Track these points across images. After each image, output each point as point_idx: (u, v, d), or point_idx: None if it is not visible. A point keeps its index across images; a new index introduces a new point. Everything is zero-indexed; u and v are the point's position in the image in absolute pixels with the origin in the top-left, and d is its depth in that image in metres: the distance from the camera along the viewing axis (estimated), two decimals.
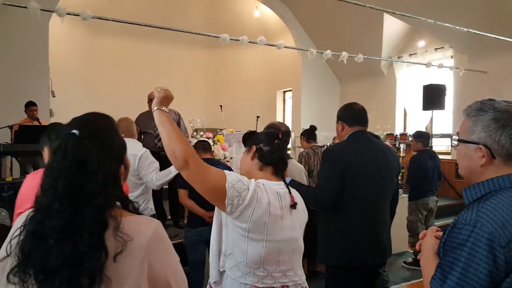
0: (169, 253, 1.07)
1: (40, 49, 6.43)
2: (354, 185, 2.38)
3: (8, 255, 0.97)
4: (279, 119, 10.27)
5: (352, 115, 2.57)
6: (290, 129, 9.77)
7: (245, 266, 1.60)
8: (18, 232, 0.97)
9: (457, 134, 1.25)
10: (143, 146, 3.22)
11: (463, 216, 1.12)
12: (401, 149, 7.26)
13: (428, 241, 1.20)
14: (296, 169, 2.75)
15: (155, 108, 1.58)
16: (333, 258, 2.49)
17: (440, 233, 1.22)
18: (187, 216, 3.47)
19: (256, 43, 4.52)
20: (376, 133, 4.19)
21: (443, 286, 1.07)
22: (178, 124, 4.86)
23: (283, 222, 1.64)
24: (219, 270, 1.72)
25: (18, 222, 1.02)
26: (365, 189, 2.41)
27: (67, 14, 3.97)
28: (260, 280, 1.60)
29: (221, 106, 6.69)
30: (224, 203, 1.53)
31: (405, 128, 8.69)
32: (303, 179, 2.75)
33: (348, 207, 2.40)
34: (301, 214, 1.77)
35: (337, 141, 2.71)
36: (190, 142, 4.36)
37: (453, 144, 1.26)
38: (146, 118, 4.73)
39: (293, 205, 1.69)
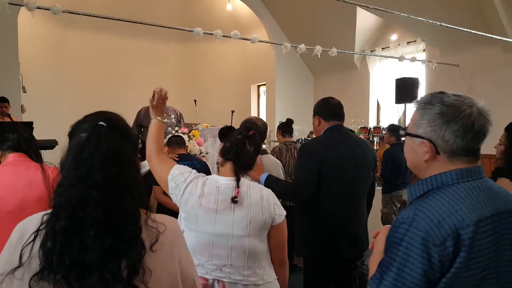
0: (185, 245, 1.10)
1: (9, 44, 6.16)
2: (330, 179, 2.40)
3: (21, 265, 0.91)
4: (253, 113, 10.24)
5: (329, 109, 2.57)
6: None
7: None
8: (32, 237, 0.92)
9: (406, 127, 1.23)
10: (142, 140, 3.21)
11: (402, 213, 1.09)
12: (375, 142, 7.34)
13: (379, 239, 1.16)
14: (273, 164, 2.74)
15: (153, 118, 1.91)
16: (309, 251, 2.51)
17: None
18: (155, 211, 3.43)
19: (230, 37, 4.45)
20: (350, 127, 4.20)
21: (379, 286, 1.05)
22: (179, 122, 4.82)
23: (216, 216, 1.68)
24: None
25: (23, 229, 0.97)
26: (341, 183, 2.42)
27: (37, 8, 3.81)
28: None
29: (195, 100, 6.60)
30: (169, 192, 1.76)
31: (378, 121, 8.79)
32: (280, 173, 2.74)
33: (324, 201, 2.42)
34: (245, 211, 1.71)
35: (313, 135, 2.71)
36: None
37: (402, 138, 1.25)
38: (147, 113, 4.72)
39: (233, 198, 1.68)
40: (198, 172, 1.81)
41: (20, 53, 6.36)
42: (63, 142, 2.72)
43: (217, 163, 4.15)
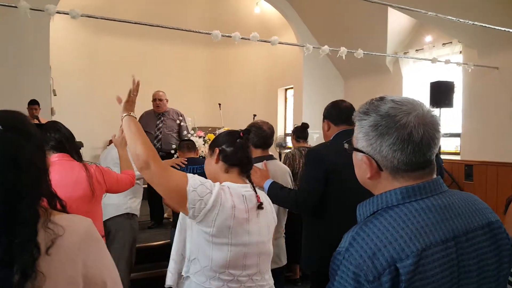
0: (104, 252, 1.06)
1: (41, 49, 6.41)
2: (338, 188, 2.23)
3: None
4: (280, 117, 10.09)
5: (339, 113, 2.41)
6: (285, 127, 9.54)
7: (210, 271, 1.57)
8: None
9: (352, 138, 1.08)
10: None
11: (341, 241, 0.95)
12: None
13: None
14: (280, 170, 2.59)
15: (124, 114, 1.67)
16: (317, 265, 2.35)
17: None
18: (166, 216, 3.39)
19: (249, 39, 4.35)
20: None
21: None
22: (179, 124, 4.81)
23: (249, 226, 1.61)
24: (182, 275, 1.69)
25: None
26: (351, 193, 2.22)
27: (57, 13, 3.89)
28: (225, 284, 1.58)
29: (219, 104, 6.56)
30: (186, 206, 1.51)
31: None
32: (287, 180, 2.59)
33: (332, 212, 2.26)
34: (269, 217, 1.73)
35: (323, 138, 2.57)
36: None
37: (348, 151, 1.08)
38: (147, 118, 4.80)
39: (260, 205, 1.64)
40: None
41: (51, 58, 6.60)
42: (92, 144, 2.82)
43: None
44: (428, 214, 0.91)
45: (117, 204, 3.19)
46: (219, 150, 1.71)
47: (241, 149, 1.71)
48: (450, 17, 4.19)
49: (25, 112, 5.06)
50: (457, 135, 7.55)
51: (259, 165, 2.45)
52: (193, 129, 4.41)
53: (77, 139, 4.35)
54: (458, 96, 6.94)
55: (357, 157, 1.04)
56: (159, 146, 4.71)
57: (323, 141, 2.54)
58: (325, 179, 2.22)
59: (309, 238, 2.36)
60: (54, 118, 6.58)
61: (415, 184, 0.94)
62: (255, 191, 1.68)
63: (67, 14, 3.92)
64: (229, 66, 10.56)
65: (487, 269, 0.94)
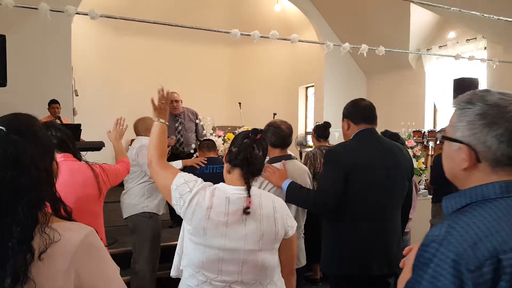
0: (102, 262, 1.02)
1: (63, 49, 6.54)
2: (359, 189, 2.20)
3: None
4: (301, 115, 10.03)
5: (359, 112, 2.37)
6: (306, 126, 9.45)
7: (190, 268, 1.61)
8: None
9: (445, 129, 1.04)
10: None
11: (433, 230, 0.91)
12: (430, 147, 6.87)
13: (410, 258, 1.00)
14: (298, 170, 2.56)
15: (156, 120, 1.82)
16: (336, 268, 2.32)
17: None
18: None
19: (268, 37, 4.33)
20: (395, 131, 3.90)
21: None
22: (197, 124, 4.80)
23: (227, 230, 1.54)
24: (180, 268, 1.75)
25: None
26: (371, 193, 2.22)
27: (76, 13, 3.95)
28: (200, 284, 1.58)
29: (239, 103, 6.56)
30: (172, 203, 1.61)
31: (435, 124, 8.26)
32: (306, 180, 2.56)
33: (352, 213, 2.23)
34: (264, 225, 1.59)
35: (343, 138, 2.54)
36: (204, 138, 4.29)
37: (439, 142, 1.05)
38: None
39: (245, 209, 1.54)
40: None
41: (73, 58, 6.72)
42: (111, 144, 2.79)
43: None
44: None
45: (134, 203, 3.26)
46: (228, 150, 1.71)
47: (244, 150, 1.63)
48: (474, 12, 4.07)
49: (46, 112, 5.15)
50: None
51: (277, 165, 2.43)
52: (213, 128, 4.41)
53: (98, 139, 4.43)
54: None
55: (451, 147, 1.01)
56: (182, 149, 4.70)
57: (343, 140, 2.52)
58: (344, 179, 2.18)
59: (329, 239, 2.32)
60: (76, 118, 6.70)
61: None
62: (249, 195, 1.58)
63: (86, 14, 3.98)
64: (250, 65, 10.56)
65: None
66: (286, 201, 2.33)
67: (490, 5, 5.52)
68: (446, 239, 0.85)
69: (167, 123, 1.84)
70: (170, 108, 4.95)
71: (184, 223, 1.68)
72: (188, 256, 1.61)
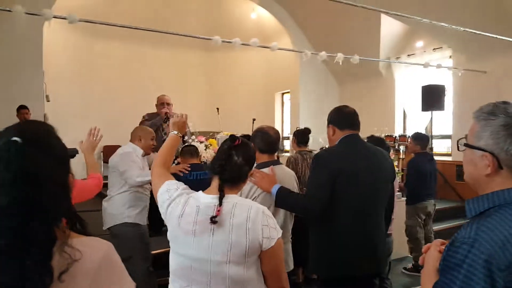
0: (122, 278, 0.97)
1: (34, 52, 6.34)
2: (345, 193, 2.28)
3: None
4: (277, 121, 10.17)
5: (343, 118, 2.46)
6: (289, 132, 9.61)
7: (171, 274, 1.63)
8: None
9: (466, 137, 1.15)
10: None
11: (462, 233, 1.00)
12: (401, 151, 7.14)
13: (431, 255, 1.09)
14: (286, 175, 2.63)
15: (173, 132, 1.93)
16: (324, 269, 2.39)
17: (443, 247, 1.10)
18: None
19: (249, 45, 4.42)
20: (373, 135, 4.05)
21: None
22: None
23: (194, 239, 1.50)
24: None
25: None
26: (358, 196, 2.30)
27: (54, 17, 3.88)
28: None
29: (217, 108, 6.58)
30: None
31: (404, 129, 8.58)
32: (294, 185, 2.64)
33: (339, 216, 2.30)
34: (231, 235, 1.48)
35: (328, 143, 2.63)
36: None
37: (460, 149, 1.15)
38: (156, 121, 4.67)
39: (212, 218, 1.47)
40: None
41: (45, 62, 6.52)
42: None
43: None
44: None
45: (115, 213, 3.18)
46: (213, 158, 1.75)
47: (221, 158, 1.61)
48: (443, 24, 4.30)
49: (15, 118, 5.02)
50: (448, 136, 7.71)
51: (265, 170, 2.47)
52: (193, 134, 4.42)
53: (72, 146, 4.36)
54: (448, 99, 7.11)
55: (474, 154, 1.09)
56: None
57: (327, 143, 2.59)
58: (332, 184, 2.26)
59: (318, 242, 2.38)
60: None
61: None
62: (220, 203, 1.51)
63: (65, 18, 3.92)
64: (227, 71, 10.63)
65: None
66: (276, 206, 2.40)
67: (454, 17, 5.82)
68: (477, 241, 0.94)
69: (181, 136, 1.96)
70: (159, 110, 4.87)
71: None
72: (170, 262, 1.64)
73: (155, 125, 4.43)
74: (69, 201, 0.97)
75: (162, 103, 4.50)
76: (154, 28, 4.38)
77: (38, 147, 0.91)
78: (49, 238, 0.86)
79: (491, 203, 1.02)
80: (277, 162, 2.61)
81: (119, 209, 3.16)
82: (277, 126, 10.08)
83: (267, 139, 2.57)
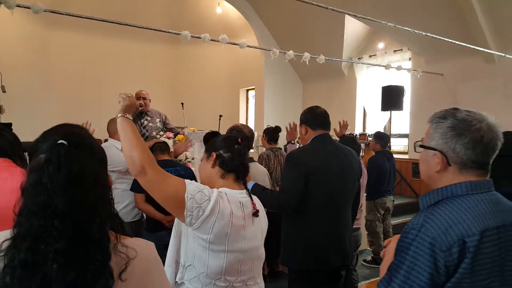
0: (163, 275, 1.03)
1: None
2: (317, 189, 2.38)
3: None
4: (242, 117, 10.21)
5: (315, 118, 2.57)
6: (253, 129, 9.71)
7: (206, 277, 1.56)
8: None
9: (422, 140, 1.29)
10: None
11: (412, 221, 1.15)
12: (361, 149, 7.38)
13: (391, 249, 1.21)
14: (259, 172, 2.71)
15: (119, 115, 1.55)
16: (295, 262, 2.48)
17: None
18: (145, 220, 3.35)
19: (218, 41, 4.42)
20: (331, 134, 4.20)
21: (388, 287, 1.10)
22: (166, 124, 4.68)
23: (245, 232, 1.60)
24: (176, 282, 1.67)
25: None
26: (329, 193, 2.41)
27: (16, 6, 3.72)
28: None
29: (182, 104, 6.53)
30: (183, 214, 1.47)
31: (364, 128, 8.87)
32: (266, 182, 2.72)
33: (311, 211, 2.40)
34: (262, 222, 1.73)
35: (300, 142, 2.72)
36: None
37: (416, 150, 1.30)
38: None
39: (255, 213, 1.64)
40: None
41: (0, 52, 6.20)
42: None
43: None
44: (486, 205, 1.13)
45: None
46: (216, 155, 1.69)
47: (239, 155, 1.70)
48: (407, 28, 4.50)
49: None
50: (406, 135, 8.06)
51: None
52: (162, 129, 4.39)
53: (30, 139, 4.22)
54: (407, 100, 7.43)
55: (427, 154, 1.23)
56: None
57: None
58: (305, 181, 2.36)
59: (291, 236, 2.48)
60: (3, 117, 6.22)
61: (477, 180, 1.16)
62: (251, 197, 1.67)
63: (28, 8, 3.77)
64: (191, 65, 10.51)
65: None
66: None
67: (416, 20, 6.09)
68: (424, 227, 1.09)
69: (149, 125, 1.79)
70: (137, 105, 4.77)
71: (187, 233, 1.60)
72: (203, 265, 1.56)
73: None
74: (111, 201, 0.98)
75: (138, 97, 4.44)
76: (114, 19, 4.23)
77: (82, 149, 0.92)
78: (105, 238, 0.88)
79: (441, 196, 1.17)
80: (251, 160, 2.68)
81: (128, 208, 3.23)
82: (242, 122, 10.14)
83: (241, 137, 2.62)
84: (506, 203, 1.19)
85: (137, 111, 4.43)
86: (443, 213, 1.10)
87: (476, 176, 1.17)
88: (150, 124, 4.40)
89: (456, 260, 1.05)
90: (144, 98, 4.50)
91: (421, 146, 1.26)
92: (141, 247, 0.95)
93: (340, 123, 4.23)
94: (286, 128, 3.24)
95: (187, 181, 1.52)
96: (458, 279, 1.05)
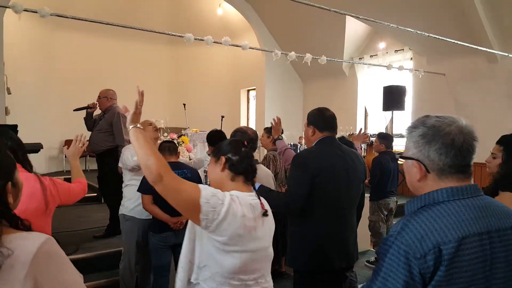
0: (62, 269, 1.02)
1: None
2: (323, 191, 2.40)
3: None
4: (243, 117, 10.22)
5: (324, 120, 2.58)
6: (255, 129, 9.73)
7: (220, 277, 1.62)
8: None
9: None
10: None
11: (392, 227, 1.16)
12: (363, 149, 7.39)
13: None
14: (264, 174, 2.72)
15: (131, 126, 1.64)
16: (301, 263, 2.50)
17: None
18: (151, 220, 3.36)
19: (221, 43, 4.44)
20: (340, 134, 4.20)
21: None
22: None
23: (256, 233, 1.66)
24: (191, 282, 1.70)
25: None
26: (334, 194, 2.43)
27: (24, 10, 3.75)
28: None
29: (184, 104, 6.54)
30: (199, 217, 1.53)
31: (366, 128, 8.88)
32: (271, 183, 2.73)
33: (317, 212, 2.41)
34: (270, 222, 1.78)
35: (303, 140, 2.73)
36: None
37: (397, 161, 1.32)
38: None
39: (265, 213, 1.70)
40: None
41: (5, 54, 6.23)
42: (48, 145, 2.64)
43: (205, 171, 4.07)
44: (468, 211, 1.12)
45: (121, 204, 3.44)
46: (226, 159, 1.73)
47: (246, 158, 1.76)
48: (409, 29, 4.51)
49: None
50: None
51: None
52: (166, 130, 4.39)
53: (34, 140, 4.22)
54: (408, 100, 7.43)
55: (407, 163, 1.23)
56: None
57: (293, 140, 2.68)
58: (311, 182, 2.37)
59: (296, 238, 2.49)
60: (8, 118, 6.23)
61: (458, 185, 1.15)
62: (260, 199, 1.73)
63: (36, 12, 3.81)
64: (192, 66, 10.53)
65: None
66: None
67: (417, 20, 6.10)
68: (400, 234, 1.10)
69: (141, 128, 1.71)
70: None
71: (202, 235, 1.65)
72: (217, 265, 1.62)
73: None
74: (5, 204, 1.04)
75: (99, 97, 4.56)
76: (116, 21, 4.25)
77: None
78: None
79: (422, 203, 1.16)
80: (256, 162, 2.68)
81: (123, 200, 3.43)
82: (243, 123, 10.15)
83: (246, 139, 2.63)
84: (495, 208, 1.17)
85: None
86: (420, 220, 1.10)
87: (457, 180, 1.16)
88: (99, 124, 4.55)
89: (432, 267, 1.04)
90: (98, 97, 4.54)
91: (400, 157, 1.29)
92: (25, 240, 0.98)
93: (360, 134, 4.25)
94: (271, 123, 3.25)
95: (200, 186, 1.57)
96: (434, 287, 1.04)
